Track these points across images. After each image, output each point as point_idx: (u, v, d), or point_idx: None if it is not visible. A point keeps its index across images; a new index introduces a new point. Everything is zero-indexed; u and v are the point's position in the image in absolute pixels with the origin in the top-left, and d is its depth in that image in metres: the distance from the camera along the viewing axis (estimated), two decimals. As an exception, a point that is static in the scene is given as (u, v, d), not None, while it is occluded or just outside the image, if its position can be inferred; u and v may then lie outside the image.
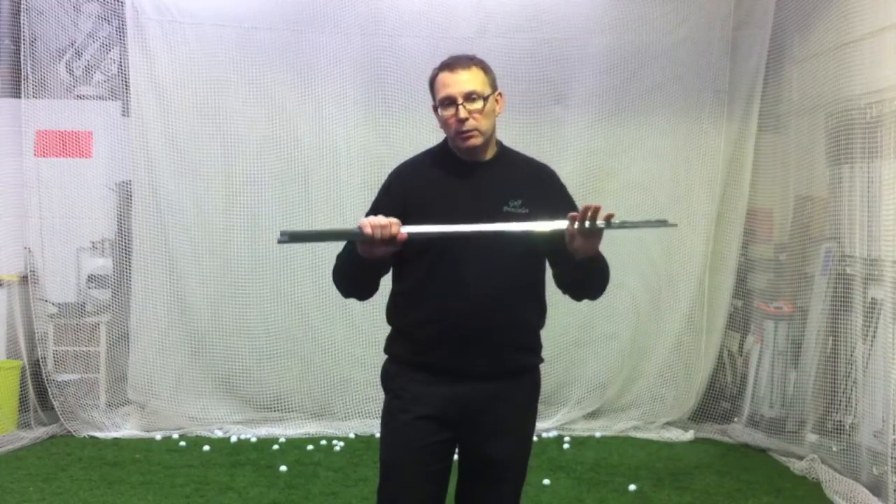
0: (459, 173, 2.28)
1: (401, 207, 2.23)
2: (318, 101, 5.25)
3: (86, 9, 5.31)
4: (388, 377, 2.35)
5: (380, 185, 2.39)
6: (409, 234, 2.08)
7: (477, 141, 2.23)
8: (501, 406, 2.27)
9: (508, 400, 2.28)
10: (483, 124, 2.22)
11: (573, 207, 2.35)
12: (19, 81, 5.11)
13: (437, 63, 2.30)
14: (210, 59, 5.17)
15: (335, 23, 5.21)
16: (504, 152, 2.36)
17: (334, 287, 2.33)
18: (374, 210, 2.30)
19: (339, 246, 2.34)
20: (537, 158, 2.44)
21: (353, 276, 2.28)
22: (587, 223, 2.06)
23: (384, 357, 2.39)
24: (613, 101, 5.37)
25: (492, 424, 2.27)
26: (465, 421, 2.26)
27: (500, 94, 2.29)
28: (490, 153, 2.31)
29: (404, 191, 2.28)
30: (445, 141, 2.34)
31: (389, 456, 2.29)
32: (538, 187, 2.33)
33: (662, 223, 2.17)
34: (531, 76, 5.29)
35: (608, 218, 2.08)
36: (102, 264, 5.34)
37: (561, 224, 2.11)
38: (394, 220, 2.07)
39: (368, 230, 2.05)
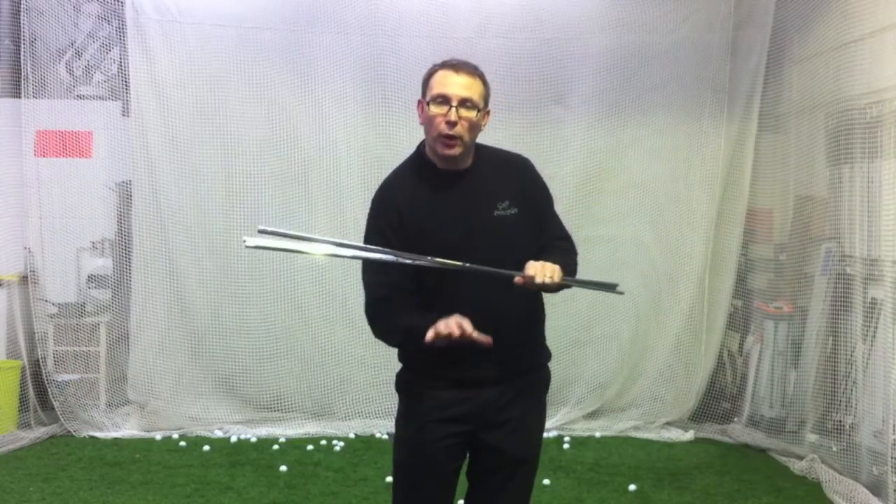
0: (446, 185, 2.30)
1: (398, 226, 2.26)
2: (318, 101, 5.25)
3: (86, 9, 5.31)
4: (404, 383, 2.39)
5: (378, 186, 2.38)
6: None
7: (457, 151, 2.24)
8: (516, 404, 2.32)
9: (522, 398, 2.34)
10: (468, 135, 2.24)
11: (548, 196, 2.44)
12: (19, 81, 5.11)
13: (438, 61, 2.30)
14: (210, 59, 5.17)
15: (335, 23, 5.22)
16: (479, 154, 2.36)
17: (353, 306, 2.32)
18: (383, 234, 2.28)
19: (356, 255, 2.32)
20: (529, 154, 2.47)
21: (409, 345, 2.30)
22: (538, 280, 2.12)
23: (385, 357, 2.42)
24: (613, 101, 5.37)
25: (508, 422, 2.32)
26: (480, 422, 2.31)
27: (488, 111, 2.31)
28: (468, 161, 2.33)
29: (398, 211, 2.28)
30: (420, 149, 2.35)
31: (404, 458, 2.36)
32: (516, 181, 2.36)
33: (612, 287, 2.29)
34: (531, 76, 5.29)
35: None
36: (102, 264, 5.34)
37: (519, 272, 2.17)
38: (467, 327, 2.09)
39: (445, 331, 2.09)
